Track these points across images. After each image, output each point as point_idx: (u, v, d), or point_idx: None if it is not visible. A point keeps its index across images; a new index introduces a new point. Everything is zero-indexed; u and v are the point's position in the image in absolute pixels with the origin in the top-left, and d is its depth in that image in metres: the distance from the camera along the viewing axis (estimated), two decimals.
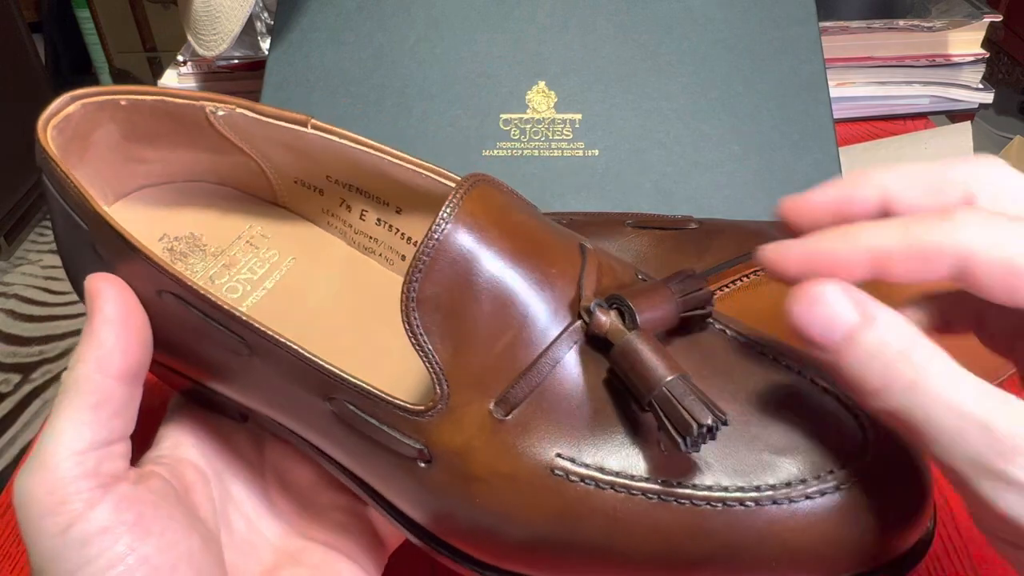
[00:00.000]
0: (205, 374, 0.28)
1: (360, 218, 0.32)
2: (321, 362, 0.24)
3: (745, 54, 0.45)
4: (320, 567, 0.28)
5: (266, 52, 0.59)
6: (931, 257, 0.20)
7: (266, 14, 0.60)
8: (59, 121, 0.28)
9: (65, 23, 2.25)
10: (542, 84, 0.46)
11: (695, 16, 0.46)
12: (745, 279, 0.33)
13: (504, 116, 0.46)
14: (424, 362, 0.23)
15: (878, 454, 0.22)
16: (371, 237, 0.33)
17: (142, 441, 0.28)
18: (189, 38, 0.56)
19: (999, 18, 0.60)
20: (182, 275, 0.25)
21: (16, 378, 1.43)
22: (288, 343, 0.24)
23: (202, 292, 0.25)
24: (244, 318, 0.25)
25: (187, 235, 0.33)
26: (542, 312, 0.24)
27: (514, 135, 0.45)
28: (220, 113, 0.30)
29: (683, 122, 0.44)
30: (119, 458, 0.24)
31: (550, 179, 0.44)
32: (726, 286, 0.33)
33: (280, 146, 0.31)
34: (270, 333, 0.25)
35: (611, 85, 0.45)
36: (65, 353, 1.48)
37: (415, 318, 0.23)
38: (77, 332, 1.51)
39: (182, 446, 0.28)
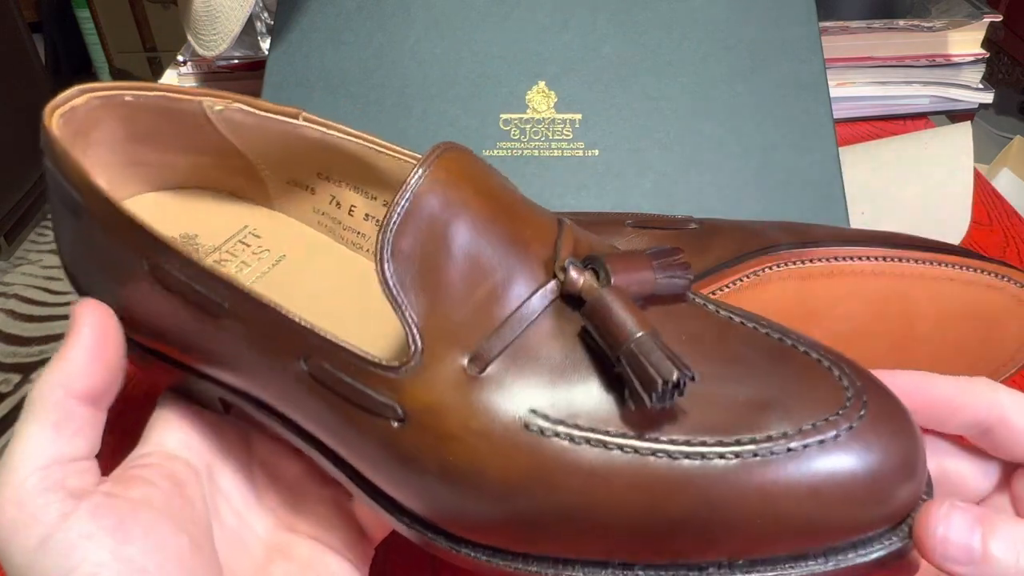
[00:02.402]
0: (188, 350, 0.28)
1: (349, 214, 0.33)
2: (297, 319, 0.24)
3: (745, 54, 0.45)
4: (309, 562, 0.28)
5: (266, 52, 0.59)
6: None
7: (266, 14, 0.60)
8: (65, 111, 0.28)
9: (65, 23, 2.25)
10: (542, 84, 0.46)
11: (695, 16, 0.46)
12: (745, 279, 0.33)
13: (504, 116, 0.46)
14: (398, 315, 0.23)
15: (863, 409, 0.22)
16: (359, 233, 0.33)
17: (132, 435, 0.28)
18: (189, 38, 0.56)
19: (999, 18, 0.60)
20: (169, 240, 0.25)
21: (16, 378, 1.43)
22: (267, 301, 0.24)
23: (184, 254, 0.25)
24: (227, 279, 0.25)
25: (183, 235, 0.33)
26: (517, 270, 0.24)
27: (514, 135, 0.45)
28: (217, 108, 0.30)
29: (683, 122, 0.44)
30: (86, 473, 0.24)
31: (550, 179, 0.44)
32: (726, 286, 0.33)
33: (274, 142, 0.31)
34: (251, 292, 0.25)
35: (611, 85, 0.45)
36: None
37: (389, 270, 0.23)
38: None
39: (171, 441, 0.28)
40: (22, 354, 1.48)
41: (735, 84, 0.45)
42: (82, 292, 0.29)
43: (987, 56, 0.61)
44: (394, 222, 0.23)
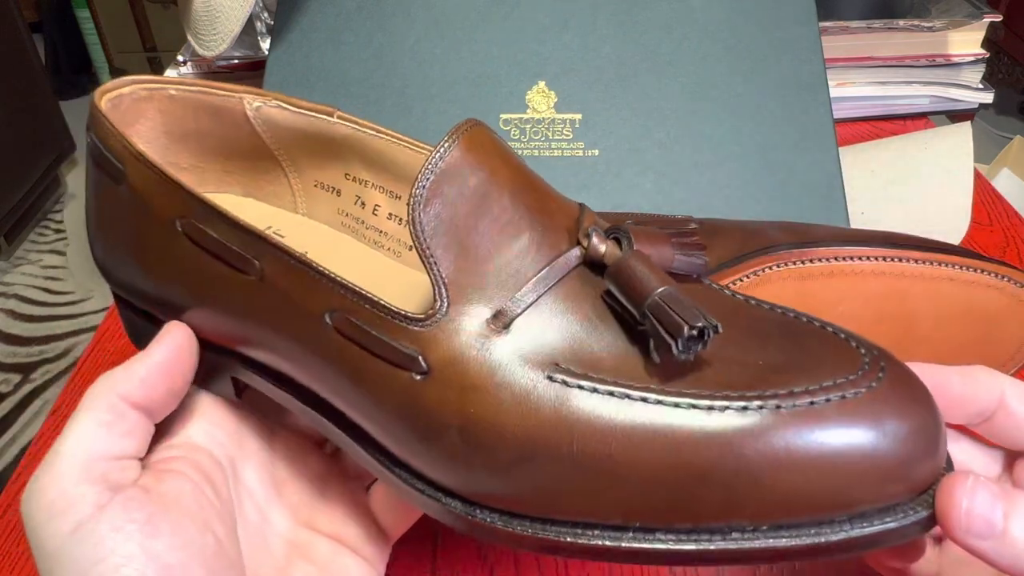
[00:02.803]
0: (211, 315, 0.28)
1: (373, 213, 0.33)
2: (325, 269, 0.25)
3: (745, 54, 0.45)
4: (329, 564, 0.28)
5: (266, 52, 0.59)
6: None
7: (266, 14, 0.60)
8: (113, 97, 0.29)
9: (65, 23, 2.25)
10: (542, 84, 0.46)
11: (695, 16, 0.46)
12: (745, 279, 0.33)
13: (504, 116, 0.46)
14: (427, 268, 0.24)
15: (882, 371, 0.22)
16: (381, 231, 0.33)
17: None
18: (189, 38, 0.56)
19: (999, 18, 0.60)
20: (203, 196, 0.26)
21: (16, 378, 1.43)
22: (298, 254, 0.25)
23: (219, 209, 0.26)
24: (261, 233, 0.26)
25: None
26: (542, 234, 0.25)
27: (514, 135, 0.45)
28: (256, 104, 0.31)
29: (683, 122, 0.44)
30: (128, 470, 0.25)
31: (550, 179, 0.44)
32: (726, 286, 0.33)
33: (307, 140, 0.32)
34: (283, 245, 0.25)
35: (611, 85, 0.45)
36: (65, 353, 1.48)
37: (420, 222, 0.24)
38: (77, 332, 1.51)
39: (195, 434, 0.28)
40: (22, 354, 1.48)
41: (735, 84, 0.45)
42: (103, 267, 0.30)
43: (987, 56, 0.61)
44: (427, 178, 0.24)
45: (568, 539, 0.23)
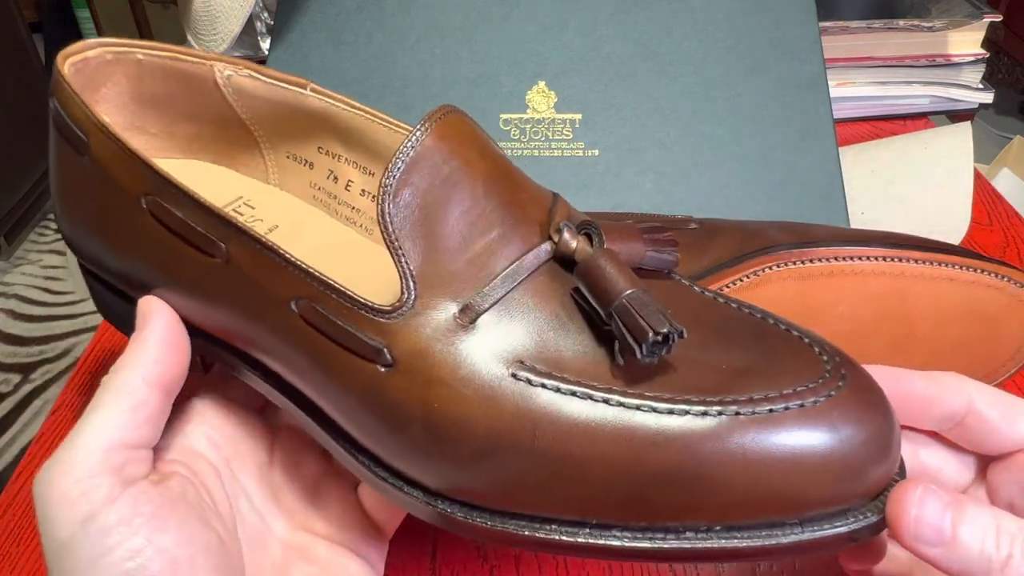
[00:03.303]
0: (175, 293, 0.28)
1: (346, 188, 0.33)
2: (292, 257, 0.24)
3: (745, 54, 0.45)
4: (328, 564, 0.28)
5: (266, 52, 0.59)
6: None
7: (266, 14, 0.60)
8: (77, 61, 0.29)
9: (65, 23, 2.25)
10: (542, 84, 0.46)
11: (695, 16, 0.46)
12: (745, 279, 0.33)
13: (504, 116, 0.46)
14: (395, 260, 0.24)
15: (842, 380, 0.22)
16: (354, 208, 0.33)
17: None
18: (189, 38, 0.56)
19: (999, 18, 0.60)
20: (169, 175, 0.26)
21: (16, 378, 1.43)
22: (264, 240, 0.25)
23: (186, 190, 0.25)
24: (226, 216, 0.25)
25: None
26: (513, 229, 0.25)
27: (514, 135, 0.45)
28: (227, 73, 0.31)
29: (683, 122, 0.44)
30: (142, 463, 0.25)
31: (550, 179, 0.44)
32: (726, 286, 0.33)
33: (278, 111, 0.32)
34: (249, 230, 0.25)
35: (611, 85, 0.45)
36: (65, 353, 1.47)
37: (389, 214, 0.24)
38: (77, 332, 1.51)
39: (193, 436, 0.28)
40: (22, 354, 1.48)
41: (735, 84, 0.45)
42: (69, 240, 0.30)
43: (987, 56, 0.61)
44: (398, 168, 0.24)
45: (526, 532, 0.23)
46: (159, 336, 0.26)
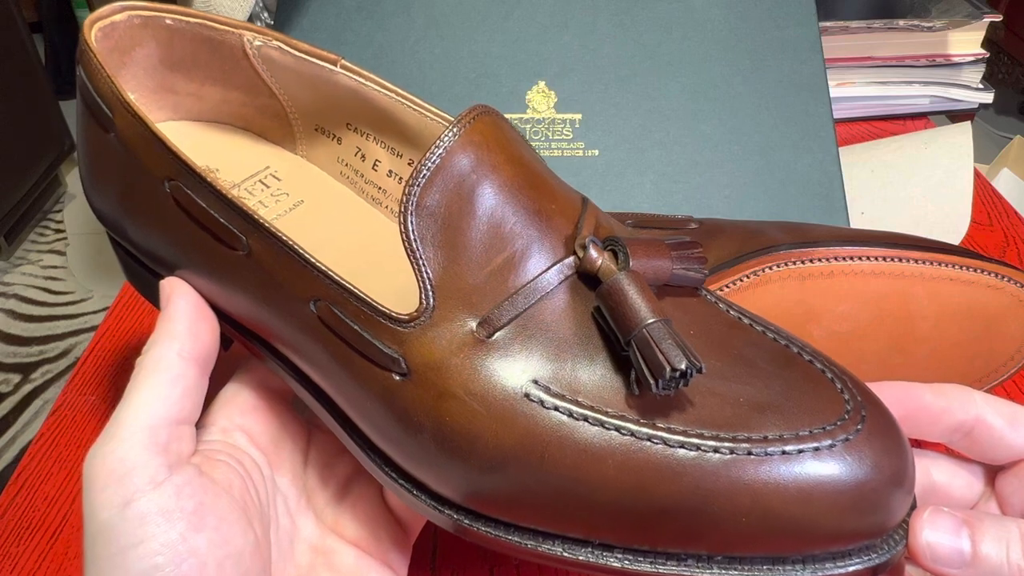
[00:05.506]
0: (200, 274, 0.27)
1: (373, 168, 0.33)
2: (312, 259, 0.24)
3: (745, 54, 0.45)
4: (353, 573, 0.28)
5: None
6: None
7: (266, 14, 0.60)
8: (105, 25, 0.28)
9: (65, 23, 2.25)
10: (542, 84, 0.46)
11: (695, 16, 0.46)
12: (745, 279, 0.33)
13: (504, 116, 0.46)
14: (415, 270, 0.23)
15: (861, 423, 0.22)
16: (380, 188, 0.33)
17: None
18: None
19: (999, 18, 0.60)
20: (192, 162, 0.26)
21: (16, 378, 1.43)
22: (285, 238, 0.25)
23: (208, 179, 0.25)
24: (249, 211, 0.25)
25: (204, 167, 0.34)
26: (537, 241, 0.24)
27: None
28: (257, 43, 0.30)
29: (683, 122, 0.44)
30: (187, 439, 0.25)
31: None
32: (726, 286, 0.33)
33: (307, 85, 0.31)
34: (271, 228, 0.25)
35: (611, 85, 0.45)
36: (65, 353, 1.47)
37: (412, 223, 0.23)
38: (77, 332, 1.51)
39: (237, 438, 0.28)
40: (22, 354, 1.48)
41: (735, 84, 0.45)
42: (98, 212, 0.29)
43: (987, 56, 0.61)
44: (423, 176, 0.23)
45: (529, 545, 0.23)
46: (184, 311, 0.26)
